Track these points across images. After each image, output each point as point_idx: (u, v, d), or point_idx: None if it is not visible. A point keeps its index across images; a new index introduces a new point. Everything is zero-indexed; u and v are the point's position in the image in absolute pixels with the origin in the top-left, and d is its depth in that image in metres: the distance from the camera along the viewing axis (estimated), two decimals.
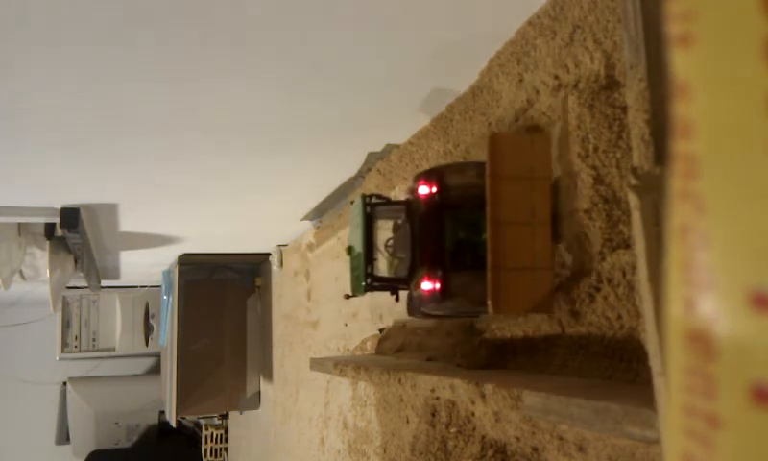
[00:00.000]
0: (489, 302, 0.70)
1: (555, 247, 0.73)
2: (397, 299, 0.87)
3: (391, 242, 0.86)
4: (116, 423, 3.86)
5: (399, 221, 0.85)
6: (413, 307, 0.91)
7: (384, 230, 0.88)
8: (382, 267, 0.86)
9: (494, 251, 0.70)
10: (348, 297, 0.92)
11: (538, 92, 0.80)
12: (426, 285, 0.77)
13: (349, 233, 0.91)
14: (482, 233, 0.76)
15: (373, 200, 0.86)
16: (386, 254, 0.87)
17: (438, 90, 1.02)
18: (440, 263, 0.77)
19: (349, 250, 0.89)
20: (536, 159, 0.73)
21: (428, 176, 0.81)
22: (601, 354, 0.67)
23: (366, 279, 0.84)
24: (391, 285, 0.85)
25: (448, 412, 1.01)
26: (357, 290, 0.88)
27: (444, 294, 0.76)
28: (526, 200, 0.72)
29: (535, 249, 0.72)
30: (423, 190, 0.80)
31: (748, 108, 0.15)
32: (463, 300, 0.78)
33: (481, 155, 0.86)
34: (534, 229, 0.72)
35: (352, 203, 0.89)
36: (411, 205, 0.82)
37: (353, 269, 0.89)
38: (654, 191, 0.44)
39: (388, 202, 0.87)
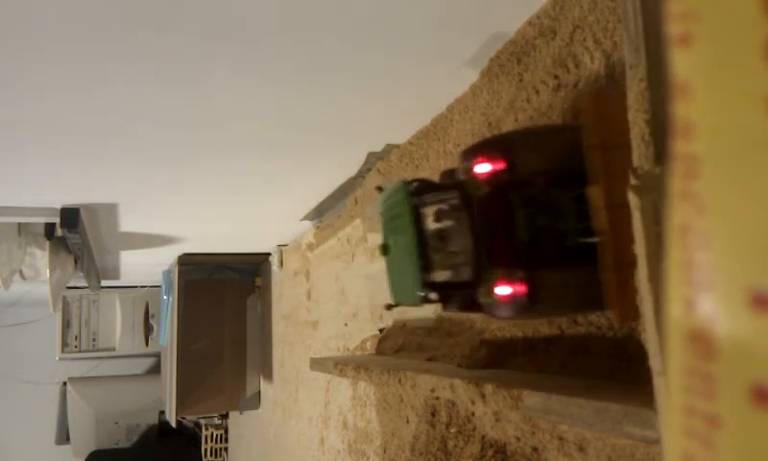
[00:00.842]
0: (613, 311, 0.59)
1: None
2: (448, 307, 0.69)
3: (437, 237, 0.67)
4: (116, 423, 3.86)
5: (448, 210, 0.66)
6: (480, 306, 0.67)
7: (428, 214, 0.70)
8: (435, 265, 0.67)
9: (613, 244, 0.55)
10: (389, 307, 0.75)
11: (538, 92, 0.80)
12: (503, 291, 0.61)
13: (383, 229, 0.73)
14: (569, 218, 0.61)
15: (420, 187, 0.68)
16: (433, 249, 0.67)
17: (437, 90, 1.02)
18: (517, 261, 0.61)
19: (384, 249, 0.72)
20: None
21: (490, 149, 0.63)
22: (601, 354, 0.67)
23: (422, 287, 0.66)
24: (450, 292, 0.67)
25: (448, 412, 1.01)
26: (408, 300, 0.70)
27: (532, 299, 0.60)
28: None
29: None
30: (483, 168, 0.62)
31: (748, 108, 0.15)
32: (557, 303, 0.63)
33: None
34: None
35: (379, 189, 0.73)
36: (466, 188, 0.64)
37: (395, 272, 0.73)
38: (654, 191, 0.44)
39: (438, 187, 0.68)
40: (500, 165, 0.62)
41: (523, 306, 0.61)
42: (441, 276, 0.67)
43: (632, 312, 0.55)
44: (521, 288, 0.60)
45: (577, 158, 0.58)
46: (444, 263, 0.66)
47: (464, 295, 0.66)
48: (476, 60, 0.89)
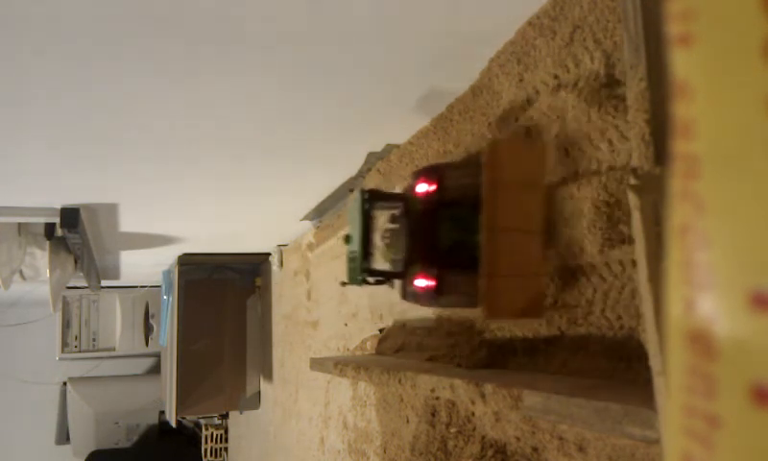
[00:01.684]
0: (482, 308, 0.72)
1: (548, 252, 0.73)
2: (392, 286, 0.91)
3: (388, 233, 0.86)
4: (116, 423, 3.86)
5: (396, 216, 0.86)
6: (405, 292, 0.89)
7: (382, 216, 0.88)
8: (378, 256, 0.87)
9: (489, 258, 0.71)
10: (343, 284, 0.95)
11: (538, 92, 0.80)
12: (420, 282, 0.80)
13: (348, 223, 0.92)
14: (477, 234, 0.75)
15: (371, 195, 0.88)
16: (382, 245, 0.87)
17: (437, 90, 1.02)
18: (434, 262, 0.79)
19: (347, 239, 0.91)
20: (532, 166, 0.73)
21: (428, 174, 0.82)
22: (601, 354, 0.67)
23: (362, 274, 0.87)
24: (385, 278, 0.88)
25: (448, 412, 1.01)
26: (353, 281, 0.90)
27: (437, 292, 0.79)
28: (521, 206, 0.72)
29: (529, 255, 0.72)
30: (422, 188, 0.82)
31: (748, 108, 0.15)
32: (456, 298, 0.81)
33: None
34: (528, 235, 0.72)
35: (351, 191, 0.94)
36: (408, 201, 0.83)
37: (350, 259, 0.91)
38: (654, 191, 0.44)
39: (386, 197, 0.88)
40: (433, 186, 0.80)
41: (431, 297, 0.79)
42: (381, 265, 0.86)
43: (495, 311, 0.71)
44: (432, 283, 0.78)
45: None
46: (388, 256, 0.85)
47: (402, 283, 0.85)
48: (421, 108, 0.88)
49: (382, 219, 0.87)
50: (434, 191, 0.80)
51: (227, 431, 3.70)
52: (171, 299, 2.73)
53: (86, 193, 1.50)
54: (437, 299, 0.80)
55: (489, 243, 0.71)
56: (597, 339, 0.68)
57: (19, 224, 1.91)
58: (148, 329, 3.78)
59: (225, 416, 3.67)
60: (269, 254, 2.66)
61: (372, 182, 1.41)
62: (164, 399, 3.05)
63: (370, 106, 1.07)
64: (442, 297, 0.79)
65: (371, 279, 0.88)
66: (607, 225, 0.66)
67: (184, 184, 1.50)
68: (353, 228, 0.89)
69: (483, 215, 0.72)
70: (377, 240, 0.87)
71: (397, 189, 0.94)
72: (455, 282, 0.79)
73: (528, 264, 0.72)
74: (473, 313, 0.93)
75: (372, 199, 0.87)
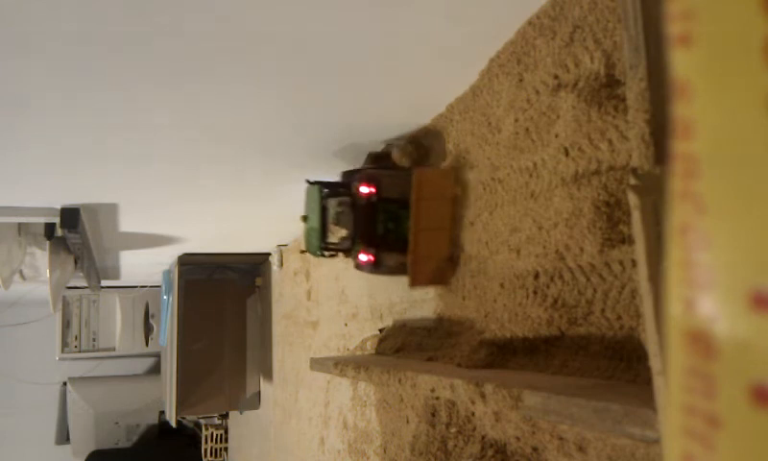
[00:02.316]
0: (409, 278, 1.06)
1: (452, 244, 1.05)
2: (335, 256, 1.23)
3: (335, 216, 1.16)
4: (116, 423, 3.86)
5: (344, 204, 1.14)
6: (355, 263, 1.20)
7: (333, 202, 1.17)
8: (330, 232, 1.18)
9: (414, 247, 1.05)
10: (302, 252, 1.25)
11: (538, 92, 0.80)
12: (363, 257, 1.12)
13: (305, 206, 1.21)
14: (403, 225, 1.08)
15: (327, 186, 1.17)
16: (332, 224, 1.16)
17: (438, 90, 1.02)
18: (373, 243, 1.10)
19: (305, 218, 1.21)
20: (444, 185, 1.05)
21: (369, 179, 1.11)
22: (601, 354, 0.67)
23: (320, 248, 1.18)
24: (337, 251, 1.18)
25: (448, 412, 1.01)
26: (311, 252, 1.21)
27: (375, 264, 1.12)
28: (435, 213, 1.05)
29: (438, 245, 1.05)
30: (364, 189, 1.10)
31: (748, 108, 0.15)
32: (386, 269, 1.13)
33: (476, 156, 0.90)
34: (438, 232, 1.05)
35: (308, 182, 1.19)
36: (354, 197, 1.13)
37: (308, 233, 1.21)
38: (654, 191, 0.44)
39: (337, 190, 1.17)
40: (373, 189, 1.10)
41: (371, 267, 1.12)
42: (333, 239, 1.17)
43: (417, 281, 1.08)
44: (372, 258, 1.11)
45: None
46: (337, 234, 1.16)
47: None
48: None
49: (332, 203, 1.16)
50: (373, 192, 1.10)
51: (227, 431, 3.70)
52: (171, 299, 2.73)
53: (86, 193, 1.50)
54: (374, 269, 1.13)
55: (414, 237, 1.05)
56: (597, 339, 0.68)
57: (19, 224, 1.91)
58: (148, 329, 3.78)
59: (225, 416, 3.67)
60: (269, 254, 2.66)
61: None
62: (164, 399, 3.04)
63: (370, 107, 1.07)
64: (378, 268, 1.12)
65: (326, 253, 1.19)
66: (607, 225, 0.66)
67: (185, 185, 1.50)
68: (311, 211, 1.18)
69: (411, 219, 1.04)
70: (329, 219, 1.17)
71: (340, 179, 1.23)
72: (387, 258, 1.11)
73: (438, 250, 1.06)
74: (471, 314, 0.93)
75: (327, 195, 1.16)
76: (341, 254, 1.20)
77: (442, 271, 1.06)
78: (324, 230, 1.15)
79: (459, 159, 1.03)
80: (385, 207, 1.10)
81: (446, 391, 0.76)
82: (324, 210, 1.15)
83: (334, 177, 1.24)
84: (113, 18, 0.71)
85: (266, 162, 1.37)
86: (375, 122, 1.16)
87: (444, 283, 1.06)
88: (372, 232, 1.10)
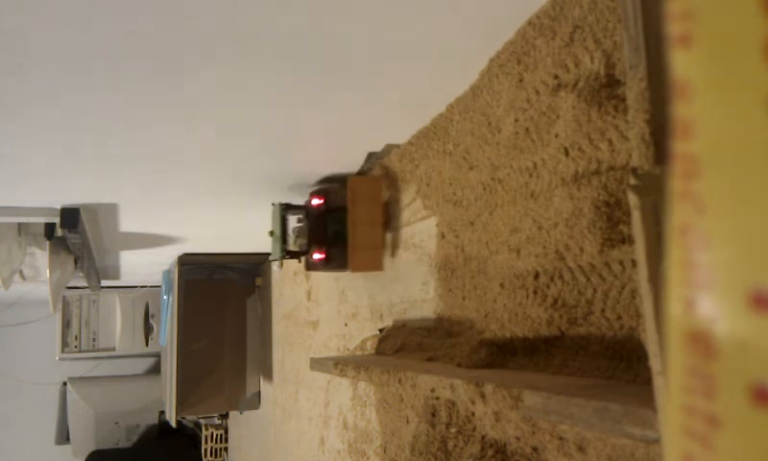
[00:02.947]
0: (349, 264, 1.35)
1: (385, 235, 1.37)
2: (300, 262, 1.51)
3: (296, 230, 1.46)
4: (116, 423, 3.86)
5: (301, 218, 1.44)
6: (307, 264, 1.46)
7: (293, 219, 1.47)
8: (291, 243, 1.46)
9: (353, 239, 1.35)
10: (272, 260, 1.48)
11: (538, 92, 0.80)
12: (317, 256, 1.39)
13: (271, 222, 1.46)
14: (346, 228, 1.35)
15: (285, 207, 1.44)
16: (293, 236, 1.46)
17: (437, 90, 1.02)
18: (324, 244, 1.39)
19: (271, 233, 1.46)
20: (374, 189, 1.37)
21: (318, 194, 1.41)
22: (601, 354, 0.67)
23: (281, 253, 1.44)
24: (296, 255, 1.44)
25: (448, 412, 1.01)
26: (275, 259, 1.47)
27: (326, 260, 1.39)
28: (368, 211, 1.35)
29: (374, 237, 1.36)
30: (316, 202, 1.40)
31: (748, 108, 0.15)
32: (335, 263, 1.39)
33: (477, 154, 0.90)
34: (373, 227, 1.36)
35: (273, 205, 1.45)
36: (308, 210, 1.42)
37: (274, 244, 1.45)
38: (654, 191, 0.44)
39: (294, 208, 1.45)
40: (321, 200, 1.41)
41: (323, 263, 1.39)
42: (294, 247, 1.46)
43: (356, 267, 1.36)
44: (323, 255, 1.39)
45: None
46: (297, 242, 1.45)
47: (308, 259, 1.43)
48: None
49: (293, 220, 1.46)
50: (322, 203, 1.40)
51: (227, 431, 3.70)
52: (171, 299, 2.73)
53: (86, 193, 1.50)
54: (325, 265, 1.39)
55: (352, 231, 1.34)
56: (597, 339, 0.68)
57: (19, 224, 1.91)
58: (148, 329, 3.78)
59: (225, 416, 3.67)
60: (269, 254, 2.66)
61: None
62: (164, 399, 3.04)
63: (370, 107, 1.07)
64: (328, 263, 1.39)
65: (287, 256, 1.44)
66: (607, 225, 0.66)
67: (184, 185, 1.50)
68: (275, 226, 1.44)
69: (348, 217, 1.34)
70: (290, 233, 1.46)
71: (301, 203, 1.48)
72: (335, 254, 1.39)
73: (373, 241, 1.36)
74: (471, 314, 0.93)
75: (286, 209, 1.44)
76: (300, 259, 1.46)
77: (376, 258, 1.37)
78: (284, 241, 1.43)
79: (388, 172, 1.34)
80: (333, 216, 1.39)
81: (446, 391, 0.76)
82: (284, 223, 1.43)
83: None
84: (114, 18, 0.71)
85: (266, 162, 1.37)
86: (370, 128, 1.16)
87: (378, 269, 1.37)
88: (324, 235, 1.39)
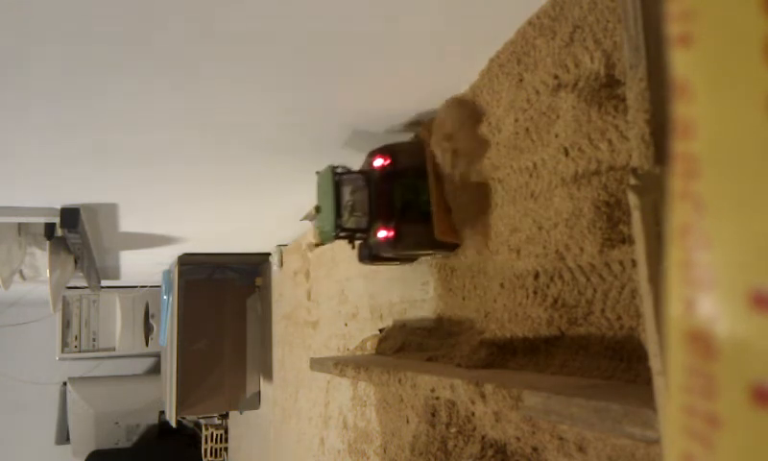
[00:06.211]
0: (437, 233, 0.99)
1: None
2: (353, 247, 1.11)
3: (350, 203, 1.06)
4: (116, 423, 3.86)
5: (358, 186, 1.06)
6: (362, 255, 1.13)
7: (345, 189, 1.08)
8: (346, 212, 1.08)
9: (437, 205, 1.00)
10: (317, 245, 1.23)
11: (538, 92, 0.80)
12: (382, 234, 1.01)
13: (317, 197, 1.10)
14: (422, 196, 1.01)
15: (339, 169, 1.08)
16: (345, 213, 1.06)
17: (438, 90, 1.02)
18: (392, 217, 1.01)
19: (317, 209, 1.09)
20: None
21: (382, 152, 1.04)
22: (601, 354, 0.67)
23: (335, 230, 1.05)
24: (353, 234, 1.06)
25: (448, 412, 1.01)
26: (326, 239, 1.08)
27: (396, 239, 1.01)
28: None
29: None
30: (378, 162, 1.04)
31: (748, 108, 0.15)
32: (409, 243, 1.02)
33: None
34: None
35: (318, 173, 1.10)
36: (368, 174, 1.05)
37: (320, 224, 1.09)
38: (654, 191, 0.44)
39: (350, 171, 1.08)
40: (387, 160, 1.03)
41: (392, 244, 1.01)
42: (349, 224, 1.05)
43: (444, 233, 0.99)
44: (392, 233, 1.00)
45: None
46: (352, 219, 1.05)
47: (366, 245, 1.08)
48: None
49: (345, 191, 1.07)
50: (388, 164, 1.03)
51: (227, 431, 3.70)
52: (171, 299, 2.73)
53: (86, 193, 1.50)
54: (395, 246, 1.01)
55: (436, 198, 1.00)
56: (597, 339, 0.68)
57: (19, 224, 1.91)
58: (148, 329, 3.78)
59: (225, 416, 3.67)
60: (269, 254, 2.66)
61: None
62: (164, 399, 3.04)
63: (370, 106, 1.07)
64: (398, 243, 1.01)
65: (342, 234, 1.06)
66: (607, 225, 0.66)
67: (185, 185, 1.50)
68: (325, 198, 1.07)
69: (430, 183, 1.01)
70: (343, 200, 1.07)
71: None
72: (407, 232, 1.01)
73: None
74: (471, 314, 0.93)
75: (341, 173, 1.07)
76: (353, 244, 1.10)
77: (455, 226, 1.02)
78: (338, 214, 1.05)
79: None
80: (402, 181, 1.02)
81: (446, 391, 0.76)
82: (338, 191, 1.05)
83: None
84: (114, 19, 0.71)
85: (267, 162, 1.37)
86: (376, 120, 1.16)
87: (460, 240, 1.01)
88: (390, 206, 1.02)
